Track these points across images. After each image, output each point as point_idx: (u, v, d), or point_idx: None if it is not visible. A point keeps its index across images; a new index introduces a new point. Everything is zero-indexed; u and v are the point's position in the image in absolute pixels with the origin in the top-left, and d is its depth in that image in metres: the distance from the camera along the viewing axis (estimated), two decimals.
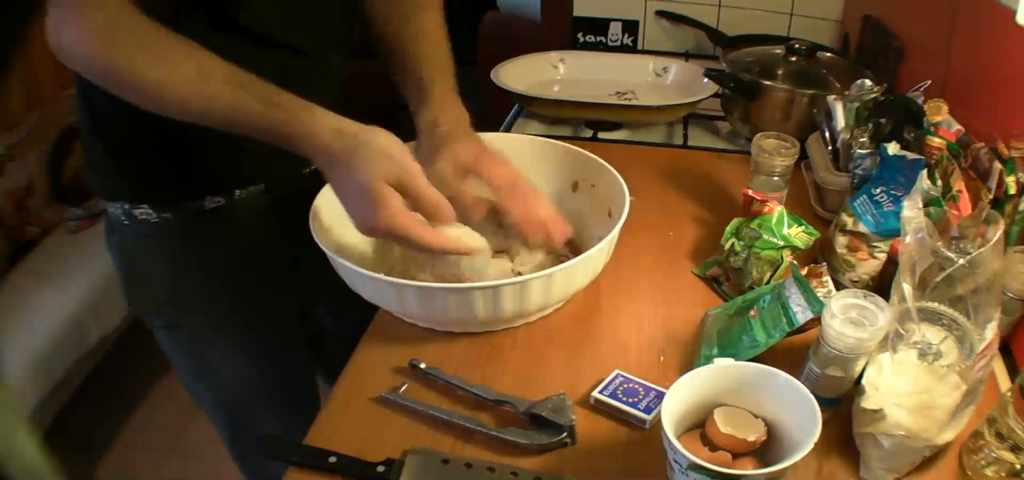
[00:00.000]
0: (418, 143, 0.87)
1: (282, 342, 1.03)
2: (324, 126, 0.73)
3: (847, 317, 0.67)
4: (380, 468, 0.67)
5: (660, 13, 1.63)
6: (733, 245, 0.90)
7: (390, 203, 0.72)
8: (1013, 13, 0.73)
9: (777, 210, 0.90)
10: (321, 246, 0.78)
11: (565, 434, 0.69)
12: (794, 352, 0.77)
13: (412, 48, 0.91)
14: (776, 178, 0.98)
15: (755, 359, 0.71)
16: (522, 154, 0.96)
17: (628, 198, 0.85)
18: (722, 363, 0.64)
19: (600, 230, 0.88)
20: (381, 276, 0.75)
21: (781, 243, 0.87)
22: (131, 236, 0.90)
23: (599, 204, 0.94)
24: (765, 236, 0.88)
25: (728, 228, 0.92)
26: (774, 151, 0.97)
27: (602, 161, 0.93)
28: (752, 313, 0.78)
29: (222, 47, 0.73)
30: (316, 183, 0.84)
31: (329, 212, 0.84)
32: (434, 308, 0.77)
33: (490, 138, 0.92)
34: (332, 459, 0.67)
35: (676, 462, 0.58)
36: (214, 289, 0.93)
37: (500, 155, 0.86)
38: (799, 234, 0.89)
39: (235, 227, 0.91)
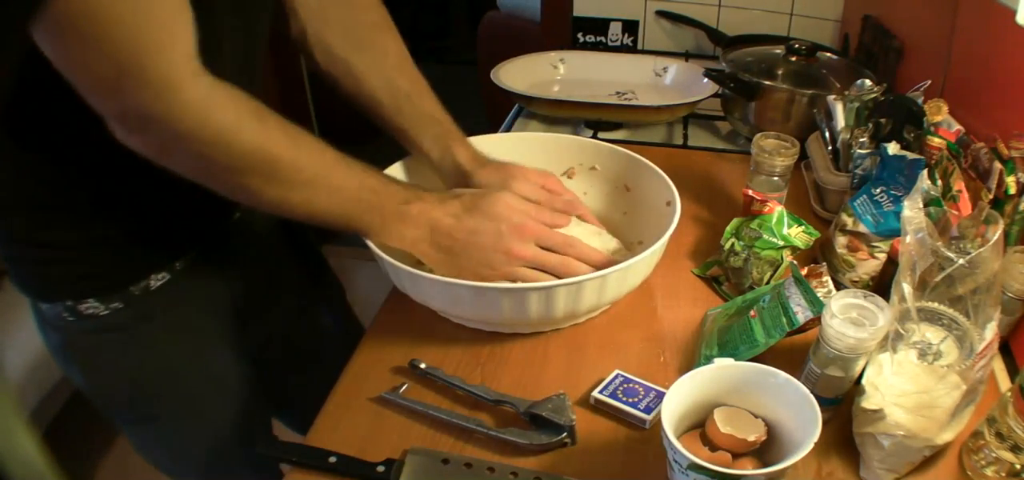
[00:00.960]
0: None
1: (248, 400, 0.98)
2: (433, 196, 0.79)
3: (847, 317, 0.67)
4: (380, 468, 0.67)
5: (660, 13, 1.63)
6: (733, 245, 0.90)
7: (530, 221, 0.78)
8: (1013, 13, 0.73)
9: (777, 210, 0.90)
10: (376, 252, 0.78)
11: (565, 434, 0.69)
12: (794, 352, 0.77)
13: (393, 106, 0.90)
14: (776, 178, 0.98)
15: (755, 359, 0.71)
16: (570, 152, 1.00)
17: (678, 210, 0.86)
18: (722, 363, 0.64)
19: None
20: (437, 277, 0.75)
21: (781, 243, 0.87)
22: (81, 334, 0.82)
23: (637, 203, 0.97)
24: (765, 236, 0.88)
25: (728, 228, 0.92)
26: (774, 151, 0.97)
27: (649, 162, 0.95)
28: (752, 313, 0.78)
29: None
30: (245, 238, 0.85)
31: None
32: (487, 308, 0.77)
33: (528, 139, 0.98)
34: (332, 459, 0.67)
35: (676, 462, 0.58)
36: (179, 369, 0.89)
37: (525, 170, 0.88)
38: (799, 234, 0.89)
39: (182, 299, 0.86)
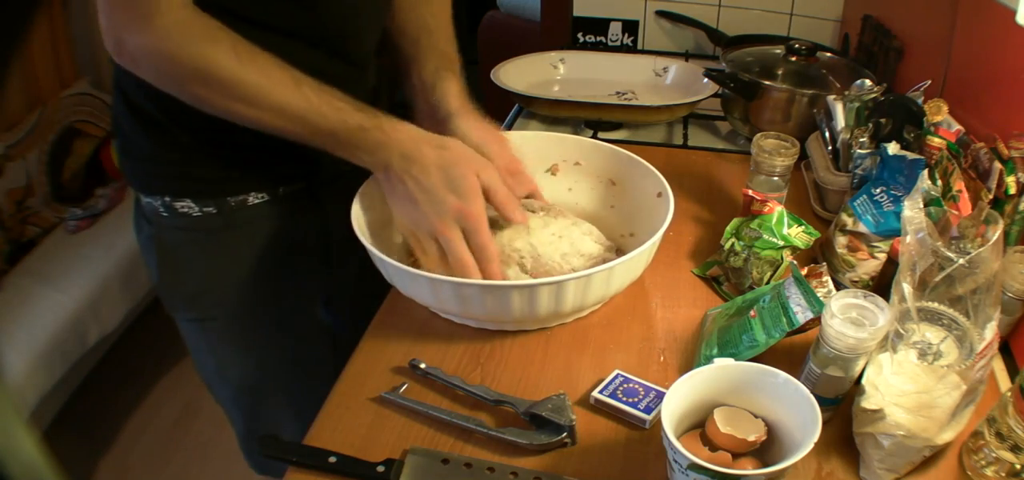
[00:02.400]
0: (418, 122, 0.87)
1: (306, 336, 1.04)
2: (408, 128, 0.79)
3: (847, 317, 0.67)
4: (380, 468, 0.67)
5: (660, 13, 1.63)
6: (733, 245, 0.90)
7: (476, 193, 0.77)
8: (1013, 13, 0.73)
9: (777, 210, 0.90)
10: (362, 240, 0.79)
11: (565, 434, 0.69)
12: (794, 352, 0.77)
13: (413, 37, 0.94)
14: (776, 178, 0.98)
15: (755, 359, 0.71)
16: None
17: (671, 200, 0.86)
18: (722, 363, 0.64)
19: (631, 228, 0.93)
20: (421, 272, 0.76)
21: (781, 243, 0.87)
22: (170, 229, 0.90)
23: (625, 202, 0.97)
24: (765, 236, 0.88)
25: (728, 228, 0.92)
26: (774, 151, 0.97)
27: (641, 160, 0.95)
28: (752, 313, 0.78)
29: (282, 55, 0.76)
30: (355, 178, 0.86)
31: (364, 212, 0.86)
32: (470, 305, 0.77)
33: (521, 137, 0.98)
34: (332, 459, 0.67)
35: (676, 462, 0.58)
36: (249, 284, 0.94)
37: (505, 139, 0.88)
38: (799, 234, 0.89)
39: (277, 223, 0.93)
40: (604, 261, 0.83)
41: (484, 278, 0.78)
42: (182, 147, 0.86)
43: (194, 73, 0.73)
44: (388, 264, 0.77)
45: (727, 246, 0.91)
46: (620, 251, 0.88)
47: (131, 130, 0.87)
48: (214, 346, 1.00)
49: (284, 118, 0.76)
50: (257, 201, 0.90)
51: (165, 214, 0.89)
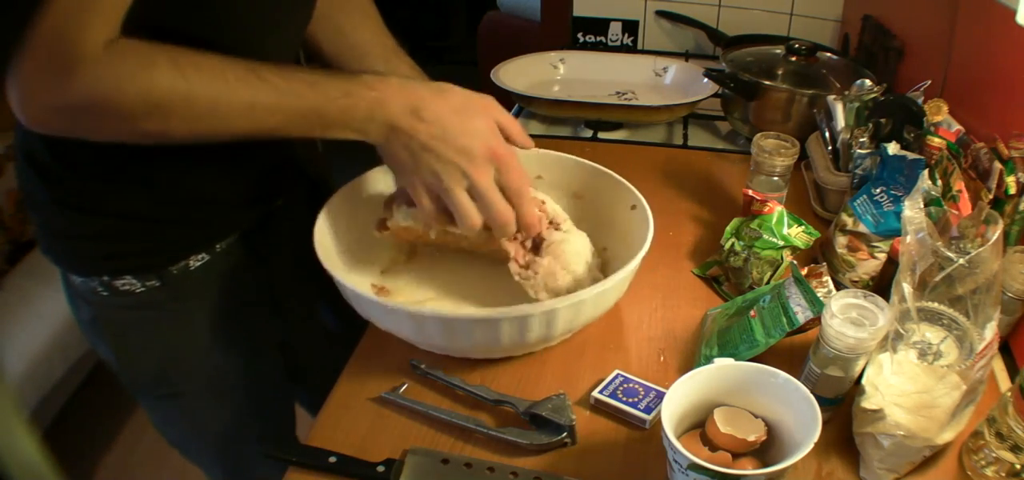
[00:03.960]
0: None
1: (268, 383, 1.00)
2: (397, 81, 0.72)
3: (847, 317, 0.67)
4: (380, 468, 0.67)
5: (660, 13, 1.63)
6: (733, 245, 0.90)
7: (495, 131, 0.72)
8: (1013, 13, 0.73)
9: (777, 210, 0.90)
10: (333, 275, 0.73)
11: (565, 434, 0.69)
12: (794, 352, 0.77)
13: (372, 32, 0.91)
14: (776, 178, 0.98)
15: (755, 359, 0.71)
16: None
17: (651, 218, 0.82)
18: (722, 363, 0.64)
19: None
20: (400, 305, 0.72)
21: (781, 243, 0.87)
22: (114, 308, 0.83)
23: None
24: (765, 236, 0.88)
25: (728, 228, 0.92)
26: (774, 151, 0.97)
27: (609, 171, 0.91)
28: (752, 313, 0.78)
29: None
30: (286, 225, 0.84)
31: (329, 240, 0.82)
32: (457, 338, 0.73)
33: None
34: (332, 459, 0.67)
35: (676, 462, 0.58)
36: (209, 349, 0.89)
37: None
38: (799, 234, 0.89)
39: (220, 281, 0.86)
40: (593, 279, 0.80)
41: (522, 220, 0.74)
42: (112, 216, 0.77)
43: (142, 109, 0.63)
44: (362, 298, 0.72)
45: (727, 246, 0.91)
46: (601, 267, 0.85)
47: (49, 208, 0.78)
48: (185, 419, 0.96)
49: (257, 116, 0.68)
50: (198, 263, 0.83)
51: (105, 294, 0.81)
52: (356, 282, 0.77)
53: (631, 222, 0.85)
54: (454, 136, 0.70)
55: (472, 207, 0.72)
